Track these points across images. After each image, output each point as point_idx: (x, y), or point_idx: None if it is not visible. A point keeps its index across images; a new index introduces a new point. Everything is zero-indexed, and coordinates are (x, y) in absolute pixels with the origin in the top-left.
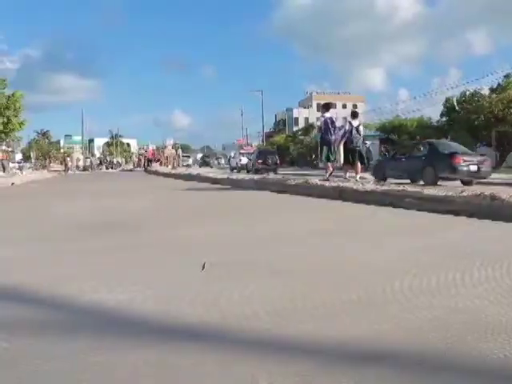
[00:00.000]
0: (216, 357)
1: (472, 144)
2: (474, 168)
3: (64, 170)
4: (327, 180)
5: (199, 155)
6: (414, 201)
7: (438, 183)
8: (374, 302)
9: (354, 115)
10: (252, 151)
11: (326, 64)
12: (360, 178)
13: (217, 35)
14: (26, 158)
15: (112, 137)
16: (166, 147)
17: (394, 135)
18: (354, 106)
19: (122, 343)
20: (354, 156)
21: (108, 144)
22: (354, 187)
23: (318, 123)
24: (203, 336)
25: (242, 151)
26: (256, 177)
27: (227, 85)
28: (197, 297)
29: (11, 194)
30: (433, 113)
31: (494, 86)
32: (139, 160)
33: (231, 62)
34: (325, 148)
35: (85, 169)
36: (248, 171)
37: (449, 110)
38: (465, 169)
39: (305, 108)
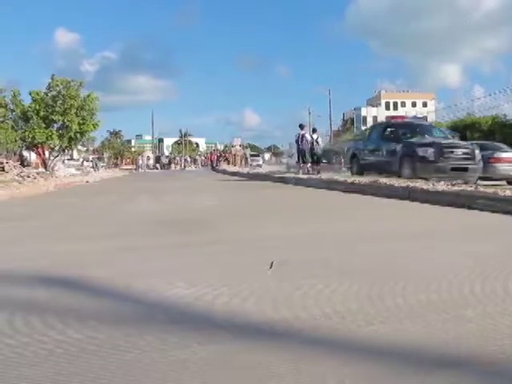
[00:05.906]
0: (284, 357)
1: None
2: None
3: (135, 169)
4: (298, 173)
5: (267, 155)
6: (488, 202)
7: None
8: (450, 305)
9: (314, 131)
10: None
11: (400, 61)
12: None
13: (290, 35)
14: (99, 158)
15: (181, 136)
16: (233, 146)
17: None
18: (424, 104)
19: (190, 339)
20: (313, 158)
21: (177, 143)
22: (425, 187)
23: (295, 137)
24: (271, 335)
25: None
26: (323, 176)
27: (298, 83)
28: (264, 295)
29: (85, 192)
30: (511, 110)
31: None
32: (206, 159)
33: (304, 62)
34: (301, 153)
35: (155, 167)
36: None
37: None
38: None
39: (373, 106)
